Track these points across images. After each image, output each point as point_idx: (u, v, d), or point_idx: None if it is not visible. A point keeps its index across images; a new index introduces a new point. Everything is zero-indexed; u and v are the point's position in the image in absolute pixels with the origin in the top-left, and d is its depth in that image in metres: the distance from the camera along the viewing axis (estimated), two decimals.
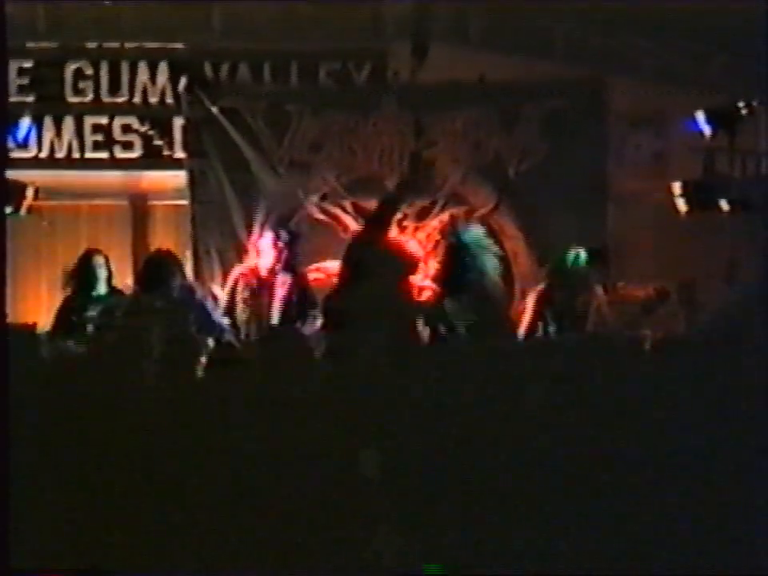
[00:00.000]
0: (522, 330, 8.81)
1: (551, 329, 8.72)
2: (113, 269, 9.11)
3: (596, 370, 5.32)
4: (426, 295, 9.76)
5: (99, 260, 9.07)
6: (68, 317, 8.71)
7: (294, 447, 4.81)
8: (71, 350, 7.53)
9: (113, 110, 11.09)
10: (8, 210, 9.26)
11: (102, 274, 8.95)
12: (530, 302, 9.12)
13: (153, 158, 11.12)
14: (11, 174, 8.97)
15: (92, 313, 8.47)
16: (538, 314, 8.94)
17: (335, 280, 9.75)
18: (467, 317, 8.76)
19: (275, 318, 9.32)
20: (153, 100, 11.12)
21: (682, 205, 9.76)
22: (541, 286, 9.19)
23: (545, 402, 5.05)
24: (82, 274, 8.96)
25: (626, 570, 4.63)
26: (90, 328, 8.39)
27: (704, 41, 9.71)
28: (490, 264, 9.05)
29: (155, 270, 8.48)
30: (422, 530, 4.67)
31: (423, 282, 9.91)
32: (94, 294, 8.83)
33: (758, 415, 4.86)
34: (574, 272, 9.22)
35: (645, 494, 4.74)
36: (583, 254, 9.29)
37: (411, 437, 4.87)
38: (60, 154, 11.01)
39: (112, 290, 9.02)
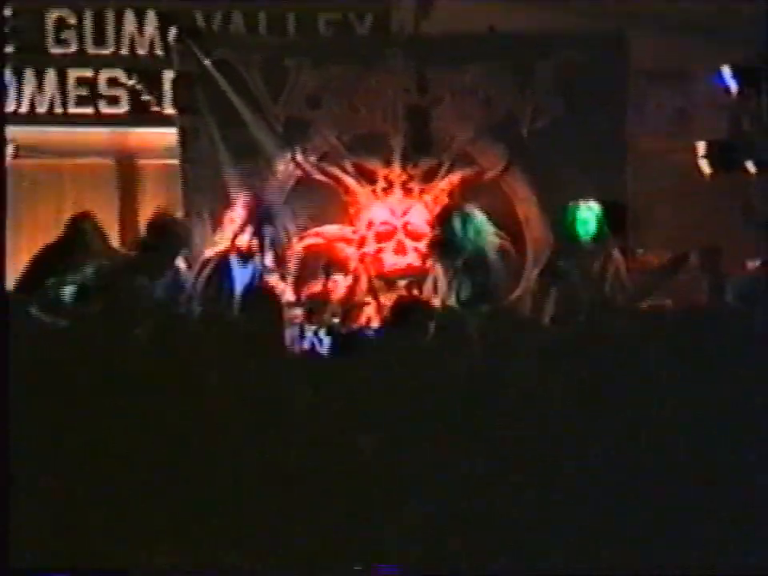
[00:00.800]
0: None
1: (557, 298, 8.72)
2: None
3: (610, 339, 5.46)
4: (429, 263, 9.89)
5: (88, 226, 8.78)
6: (39, 278, 8.43)
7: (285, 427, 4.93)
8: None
9: (98, 63, 10.97)
10: None
11: (90, 240, 8.67)
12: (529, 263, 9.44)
13: (141, 114, 10.99)
14: None
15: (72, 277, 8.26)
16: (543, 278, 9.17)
17: (336, 245, 10.01)
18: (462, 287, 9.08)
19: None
20: (141, 52, 10.96)
21: (705, 166, 9.69)
22: (549, 248, 9.38)
23: (557, 377, 5.12)
24: (67, 240, 8.70)
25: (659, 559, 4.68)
26: (66, 293, 8.16)
27: None
28: (489, 243, 9.37)
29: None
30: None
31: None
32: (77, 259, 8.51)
33: None
34: (587, 232, 9.33)
35: (666, 470, 4.81)
36: (596, 210, 9.38)
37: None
38: (41, 109, 10.88)
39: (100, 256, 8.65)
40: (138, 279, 7.82)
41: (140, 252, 8.50)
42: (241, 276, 9.31)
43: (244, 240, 9.67)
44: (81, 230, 8.70)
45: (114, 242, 9.56)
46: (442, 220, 9.91)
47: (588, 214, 9.41)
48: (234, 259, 9.50)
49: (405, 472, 4.91)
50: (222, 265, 9.24)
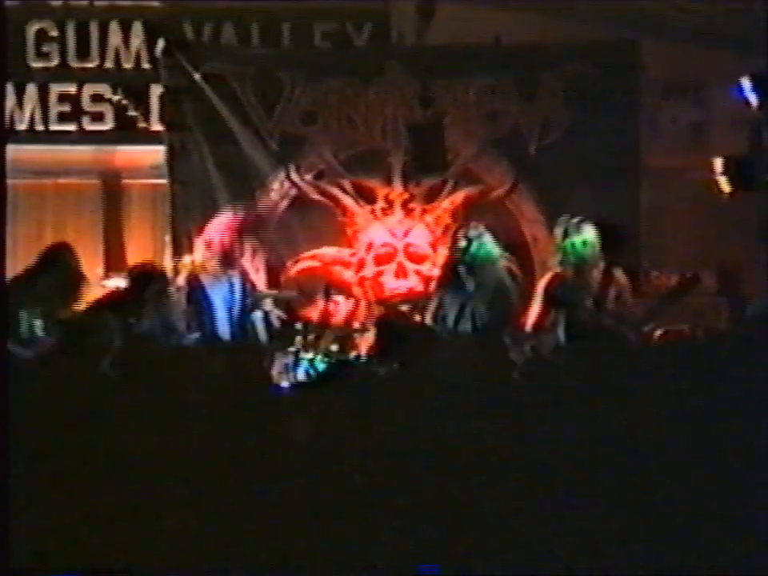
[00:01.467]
0: (529, 322, 8.73)
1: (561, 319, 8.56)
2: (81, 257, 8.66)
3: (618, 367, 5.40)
4: (433, 285, 9.70)
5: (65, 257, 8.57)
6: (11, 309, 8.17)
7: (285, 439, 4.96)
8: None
9: (81, 77, 10.93)
10: None
11: (66, 272, 8.46)
12: (539, 289, 8.98)
13: (127, 131, 10.91)
14: None
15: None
16: (547, 304, 8.74)
17: (333, 269, 9.96)
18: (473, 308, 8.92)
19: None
20: (127, 65, 10.94)
21: (724, 183, 9.46)
22: (551, 272, 9.00)
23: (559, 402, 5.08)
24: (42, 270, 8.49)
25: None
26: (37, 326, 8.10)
27: None
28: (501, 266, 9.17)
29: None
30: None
31: (431, 271, 9.88)
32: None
33: None
34: (583, 252, 8.86)
35: (688, 495, 4.75)
36: (588, 229, 8.89)
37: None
38: (21, 126, 10.79)
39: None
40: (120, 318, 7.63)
41: (123, 294, 8.47)
42: (219, 300, 9.25)
43: (214, 264, 9.44)
44: (57, 261, 8.46)
45: (98, 266, 9.76)
46: (452, 241, 9.62)
47: (574, 240, 8.95)
48: (207, 283, 9.37)
49: (402, 503, 4.82)
50: (194, 290, 9.18)
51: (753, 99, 9.37)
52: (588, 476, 4.85)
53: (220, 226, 9.71)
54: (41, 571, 4.61)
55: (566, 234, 9.01)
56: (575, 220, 9.02)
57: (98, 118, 10.85)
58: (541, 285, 9.00)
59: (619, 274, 8.77)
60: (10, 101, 10.55)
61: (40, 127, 10.81)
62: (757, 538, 4.70)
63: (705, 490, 4.80)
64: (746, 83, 9.37)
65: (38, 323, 8.10)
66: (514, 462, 4.96)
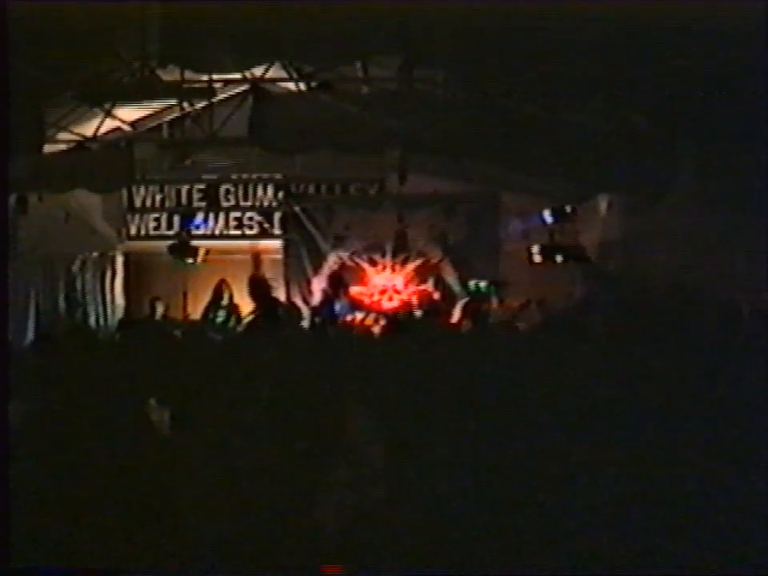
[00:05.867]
0: (453, 323, 10.88)
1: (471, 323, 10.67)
2: (236, 292, 11.02)
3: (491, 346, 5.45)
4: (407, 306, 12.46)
5: (226, 286, 11.32)
6: (208, 313, 11.34)
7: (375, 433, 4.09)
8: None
9: (244, 210, 13.32)
10: (190, 260, 12.31)
11: (227, 294, 11.27)
12: (459, 307, 11.65)
13: (263, 234, 13.25)
14: (194, 242, 12.60)
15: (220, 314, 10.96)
16: (464, 314, 11.23)
17: (358, 298, 12.48)
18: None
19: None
20: (265, 204, 13.27)
21: (537, 258, 11.57)
22: (465, 299, 11.87)
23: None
24: (217, 293, 11.39)
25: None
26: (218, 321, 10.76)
27: (552, 171, 9.54)
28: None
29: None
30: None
31: (404, 298, 12.71)
32: (222, 303, 11.23)
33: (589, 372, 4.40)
34: (482, 293, 11.99)
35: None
36: (484, 284, 12.11)
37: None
38: (217, 232, 13.32)
39: (232, 303, 11.23)
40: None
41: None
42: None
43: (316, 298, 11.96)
44: (221, 288, 11.25)
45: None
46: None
47: (477, 287, 11.91)
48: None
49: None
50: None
51: (550, 220, 11.51)
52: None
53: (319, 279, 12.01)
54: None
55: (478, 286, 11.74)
56: (484, 282, 11.82)
57: (250, 228, 13.27)
58: (459, 305, 11.49)
59: (495, 300, 11.59)
60: (212, 221, 12.95)
61: (225, 232, 13.26)
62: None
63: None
64: (547, 213, 11.53)
65: (221, 319, 10.51)
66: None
